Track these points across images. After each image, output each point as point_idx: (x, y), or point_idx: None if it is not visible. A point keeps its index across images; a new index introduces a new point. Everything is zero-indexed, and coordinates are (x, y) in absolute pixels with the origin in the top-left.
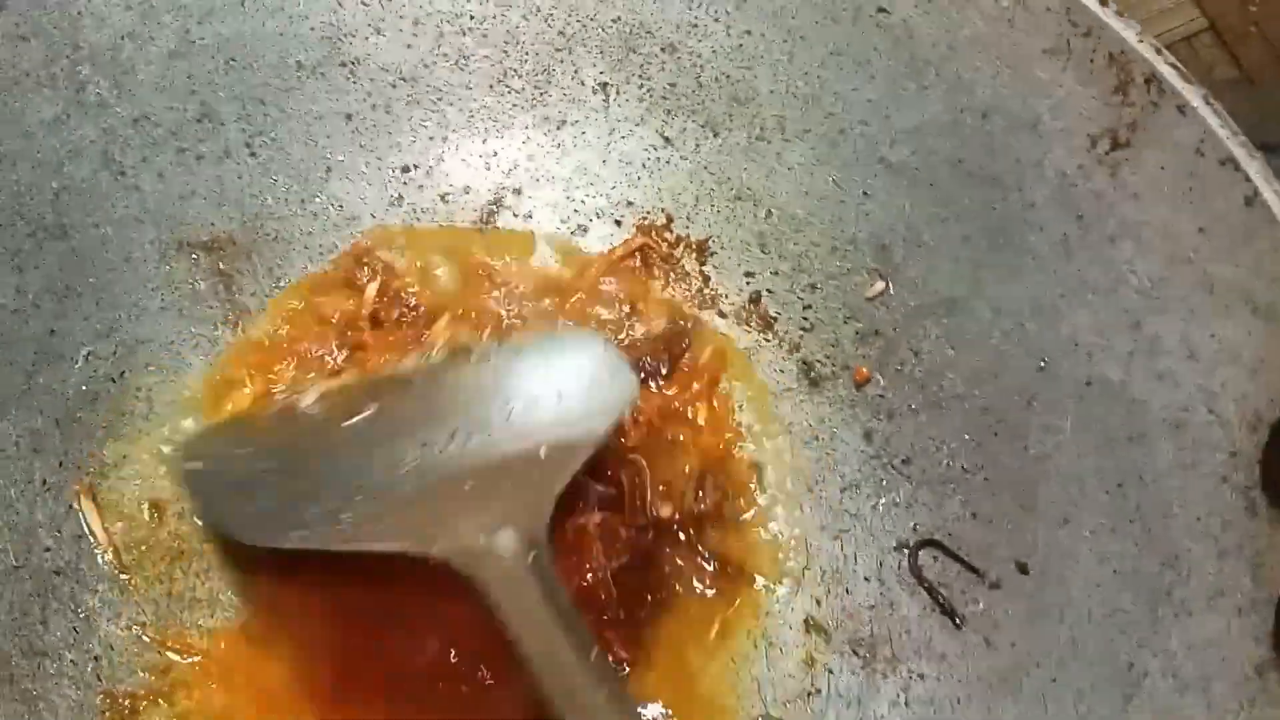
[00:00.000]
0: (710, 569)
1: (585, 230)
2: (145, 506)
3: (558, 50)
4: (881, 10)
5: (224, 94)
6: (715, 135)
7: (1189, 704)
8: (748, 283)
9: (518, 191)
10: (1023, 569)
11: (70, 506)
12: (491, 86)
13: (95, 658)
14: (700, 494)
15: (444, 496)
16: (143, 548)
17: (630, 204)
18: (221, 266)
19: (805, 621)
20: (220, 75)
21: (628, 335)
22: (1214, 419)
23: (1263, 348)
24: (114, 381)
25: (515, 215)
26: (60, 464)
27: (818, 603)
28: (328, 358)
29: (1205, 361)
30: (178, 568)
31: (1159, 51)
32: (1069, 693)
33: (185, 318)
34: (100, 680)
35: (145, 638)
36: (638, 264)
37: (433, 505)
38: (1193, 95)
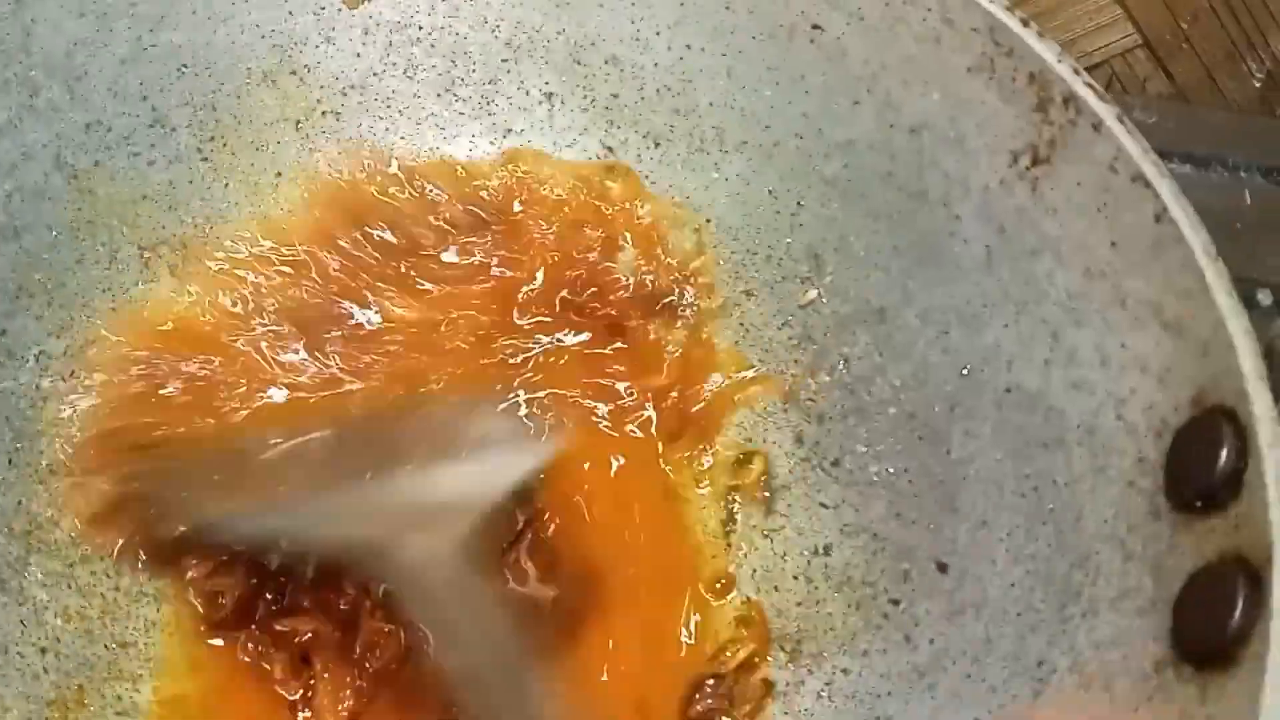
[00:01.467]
0: None
1: None
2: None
3: (504, 61)
4: (816, 28)
5: (175, 100)
6: (656, 146)
7: (1094, 699)
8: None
9: None
10: (942, 568)
11: (20, 502)
12: (439, 95)
13: (42, 650)
14: None
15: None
16: (90, 545)
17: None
18: (173, 269)
19: (735, 618)
20: (172, 82)
21: None
22: (1123, 426)
23: (1169, 358)
24: (64, 380)
25: None
26: (10, 461)
27: (748, 599)
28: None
29: (1117, 371)
30: (125, 563)
31: (1076, 72)
32: (982, 687)
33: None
34: (47, 672)
35: (93, 630)
36: None
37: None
38: (1107, 114)
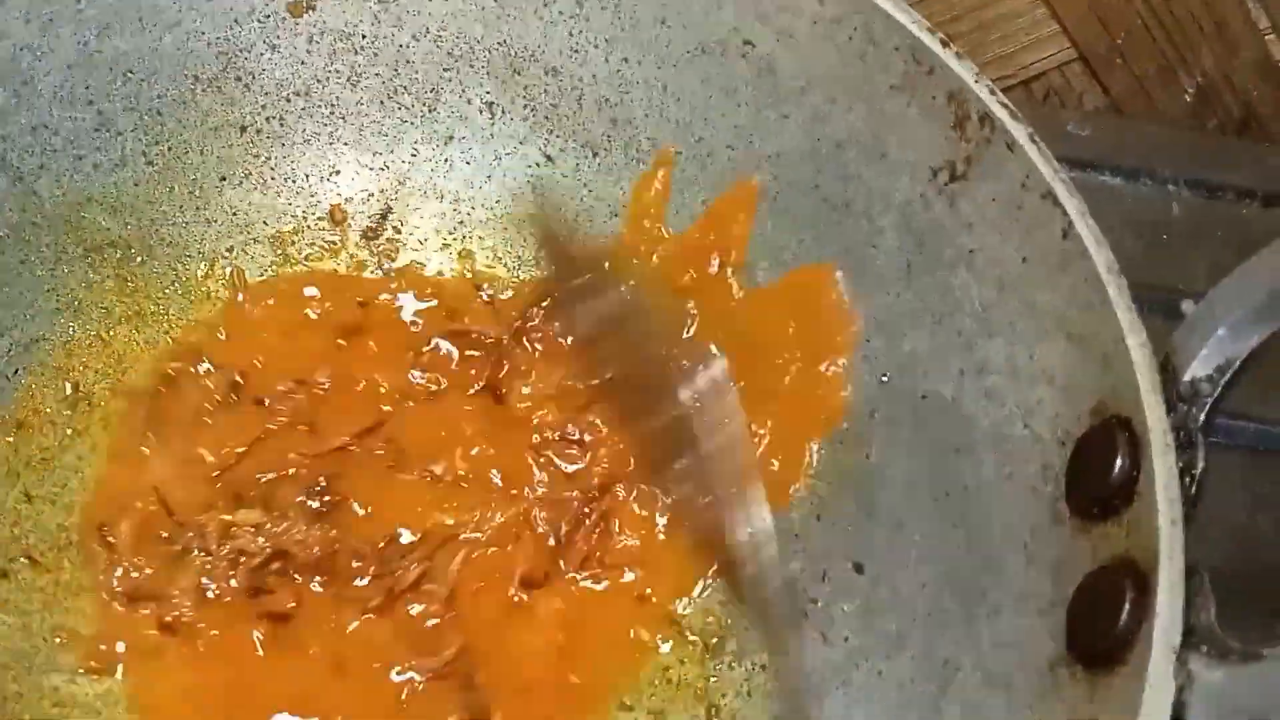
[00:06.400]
0: None
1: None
2: (34, 503)
3: (446, 70)
4: (747, 44)
5: (121, 105)
6: (594, 155)
7: (993, 696)
8: None
9: (406, 203)
10: (859, 569)
11: None
12: (382, 103)
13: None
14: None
15: None
16: (30, 537)
17: (513, 217)
18: (118, 270)
19: None
20: (118, 87)
21: None
22: (1030, 434)
23: (1074, 370)
24: (8, 380)
25: (402, 225)
26: None
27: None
28: None
29: (1025, 381)
30: (65, 557)
31: (992, 92)
32: (892, 685)
33: (81, 318)
34: None
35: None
36: None
37: None
38: (1020, 133)
